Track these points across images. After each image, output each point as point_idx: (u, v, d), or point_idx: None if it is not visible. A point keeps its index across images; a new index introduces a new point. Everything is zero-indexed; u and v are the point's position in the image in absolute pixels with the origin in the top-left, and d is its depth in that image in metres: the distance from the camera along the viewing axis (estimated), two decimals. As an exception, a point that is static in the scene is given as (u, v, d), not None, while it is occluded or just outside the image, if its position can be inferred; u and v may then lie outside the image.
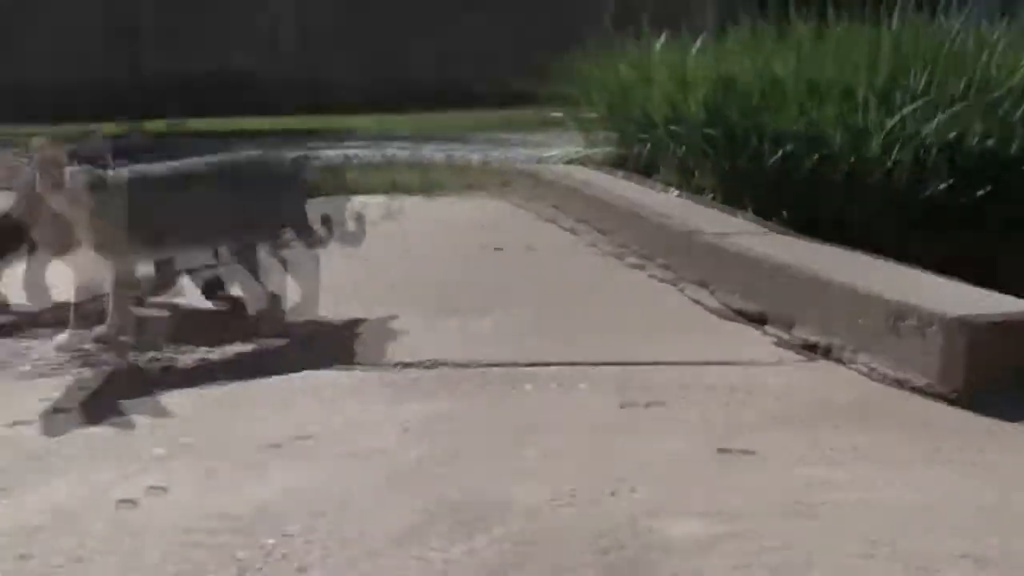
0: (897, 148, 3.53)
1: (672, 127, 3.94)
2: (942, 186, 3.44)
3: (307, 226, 2.71)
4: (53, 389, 2.14)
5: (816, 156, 3.60)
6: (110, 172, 2.39)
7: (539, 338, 2.54)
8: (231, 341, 2.49)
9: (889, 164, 3.54)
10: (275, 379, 2.24)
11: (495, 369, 2.28)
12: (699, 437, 1.86)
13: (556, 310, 2.84)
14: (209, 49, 14.82)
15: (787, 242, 2.83)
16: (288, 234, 2.68)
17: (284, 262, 2.68)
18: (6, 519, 1.54)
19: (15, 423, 1.95)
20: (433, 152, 6.55)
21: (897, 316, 2.11)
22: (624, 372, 2.26)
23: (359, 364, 2.34)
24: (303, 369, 2.29)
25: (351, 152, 6.78)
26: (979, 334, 1.97)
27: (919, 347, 2.06)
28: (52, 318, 2.54)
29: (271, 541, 1.47)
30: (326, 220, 2.82)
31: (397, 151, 6.60)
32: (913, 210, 3.46)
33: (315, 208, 2.82)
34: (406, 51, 13.14)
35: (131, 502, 1.60)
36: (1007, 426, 1.91)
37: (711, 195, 3.84)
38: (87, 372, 2.27)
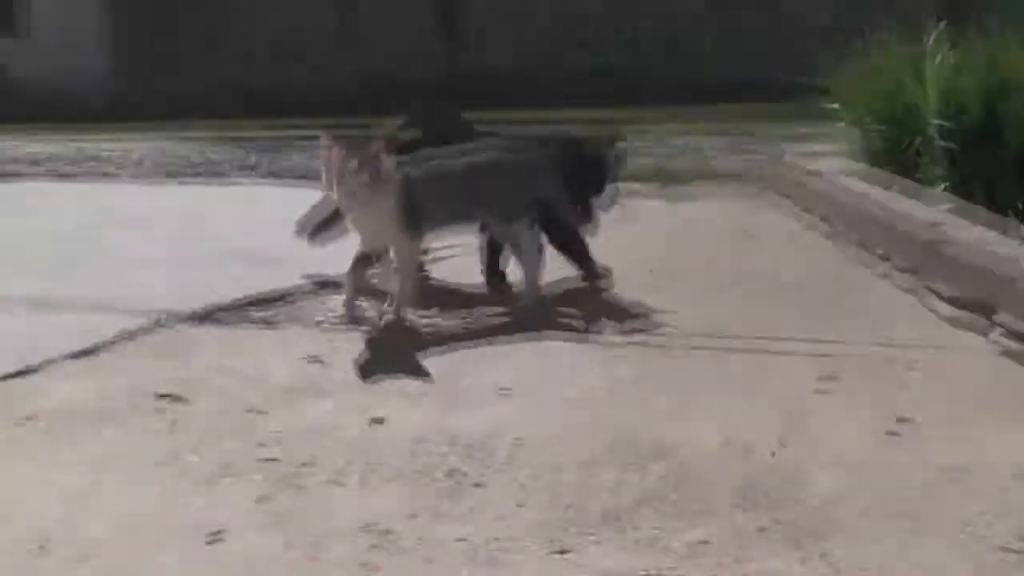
0: None
1: (940, 124, 3.92)
2: None
3: (562, 210, 3.05)
4: (336, 336, 2.64)
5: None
6: (401, 165, 2.77)
7: (758, 321, 2.72)
8: (487, 308, 2.90)
9: None
10: (511, 342, 2.61)
11: (706, 341, 2.52)
12: (872, 412, 2.01)
13: (778, 295, 3.00)
14: (539, 44, 15.92)
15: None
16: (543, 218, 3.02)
17: (541, 244, 3.02)
18: (281, 426, 2.01)
19: (305, 358, 2.44)
20: (701, 147, 6.75)
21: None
22: (829, 354, 2.41)
23: (581, 332, 2.66)
24: (536, 334, 2.63)
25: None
26: None
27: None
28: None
29: (479, 455, 1.82)
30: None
31: (665, 147, 6.82)
32: None
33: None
34: (692, 48, 13.42)
35: (379, 420, 2.01)
36: None
37: (979, 194, 3.78)
38: (365, 326, 2.75)
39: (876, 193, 3.90)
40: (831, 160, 4.89)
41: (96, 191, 5.71)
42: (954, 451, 1.82)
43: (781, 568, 1.43)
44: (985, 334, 2.53)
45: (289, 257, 3.33)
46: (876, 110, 4.60)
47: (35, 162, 6.97)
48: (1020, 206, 3.46)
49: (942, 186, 3.84)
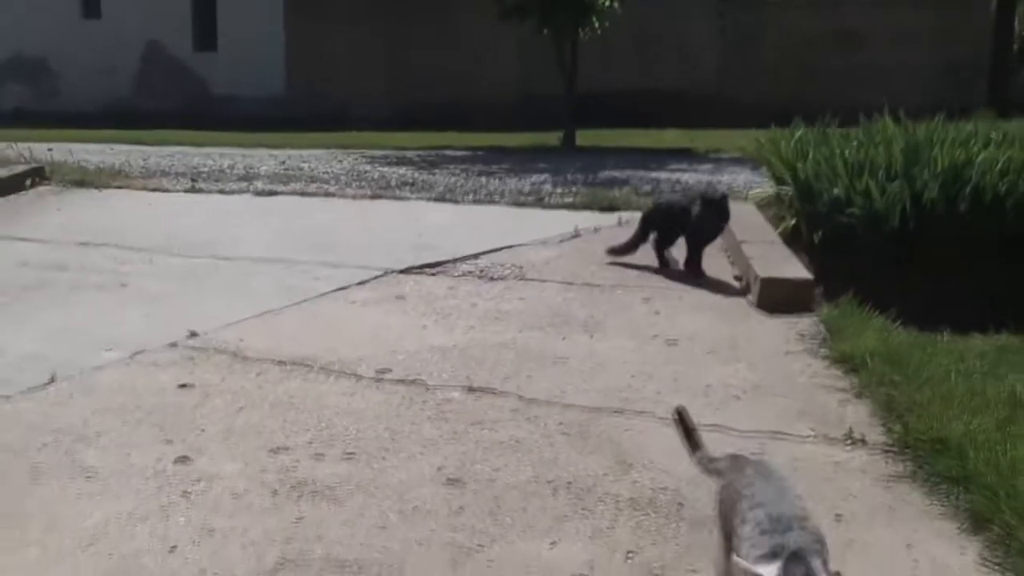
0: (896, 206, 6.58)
1: (784, 182, 7.27)
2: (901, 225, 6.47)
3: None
4: (462, 280, 6.24)
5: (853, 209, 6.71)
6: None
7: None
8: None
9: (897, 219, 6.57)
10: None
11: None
12: (644, 307, 5.47)
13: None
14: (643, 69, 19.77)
15: (768, 248, 6.20)
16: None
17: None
18: (439, 306, 5.62)
19: (448, 287, 6.04)
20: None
21: (755, 278, 5.56)
22: (662, 289, 5.85)
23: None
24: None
25: (671, 176, 10.60)
26: (767, 284, 5.40)
27: (756, 288, 5.50)
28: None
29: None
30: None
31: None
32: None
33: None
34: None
35: (475, 304, 5.58)
36: (766, 316, 5.31)
37: (804, 226, 7.08)
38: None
39: (743, 218, 7.30)
40: (760, 189, 8.32)
41: (325, 204, 9.53)
42: (673, 324, 5.28)
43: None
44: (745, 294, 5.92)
45: (442, 247, 6.98)
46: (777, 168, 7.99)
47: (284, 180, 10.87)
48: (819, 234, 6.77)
49: (791, 221, 7.19)
